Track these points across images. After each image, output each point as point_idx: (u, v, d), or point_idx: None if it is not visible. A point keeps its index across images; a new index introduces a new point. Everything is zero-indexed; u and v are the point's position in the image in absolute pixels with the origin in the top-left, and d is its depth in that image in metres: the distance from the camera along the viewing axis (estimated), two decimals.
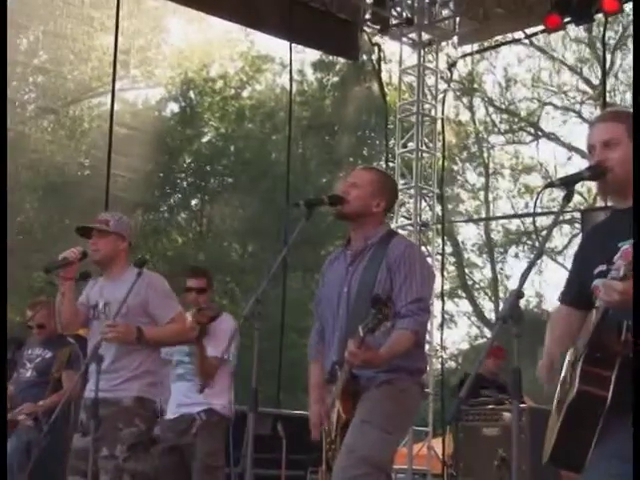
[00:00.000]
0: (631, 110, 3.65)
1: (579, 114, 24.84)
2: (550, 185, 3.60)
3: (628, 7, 11.84)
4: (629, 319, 3.28)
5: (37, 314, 7.47)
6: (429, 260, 12.46)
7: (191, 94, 25.15)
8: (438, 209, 13.16)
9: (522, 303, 3.14)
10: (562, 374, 3.45)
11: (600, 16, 12.01)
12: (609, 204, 3.81)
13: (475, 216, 26.29)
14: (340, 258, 4.80)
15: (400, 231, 11.15)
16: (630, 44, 23.80)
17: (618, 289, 3.12)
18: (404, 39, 12.99)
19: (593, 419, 3.29)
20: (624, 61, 24.07)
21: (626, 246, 3.37)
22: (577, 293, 3.59)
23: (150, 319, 5.34)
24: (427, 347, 11.75)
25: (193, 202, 25.55)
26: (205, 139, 25.52)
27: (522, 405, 5.97)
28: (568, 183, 3.43)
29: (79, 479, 5.08)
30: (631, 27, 23.13)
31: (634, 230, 3.24)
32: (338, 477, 4.37)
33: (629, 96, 23.88)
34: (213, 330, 6.11)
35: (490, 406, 6.44)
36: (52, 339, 7.40)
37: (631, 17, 21.85)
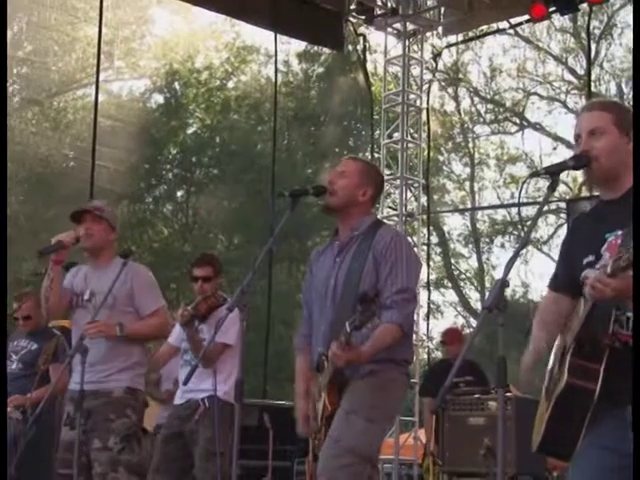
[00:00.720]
0: (618, 100, 3.66)
1: (564, 104, 24.92)
2: (535, 174, 3.62)
3: None
4: (616, 310, 3.31)
5: (23, 306, 7.45)
6: (415, 250, 12.52)
7: (176, 85, 25.07)
8: (424, 199, 13.20)
9: (508, 293, 3.17)
10: (550, 364, 3.47)
11: (585, 6, 12.08)
12: (595, 194, 3.82)
13: (461, 206, 26.37)
14: (328, 249, 4.79)
15: (386, 222, 11.15)
16: (615, 34, 23.85)
17: (612, 286, 3.12)
18: (389, 29, 12.99)
19: (582, 411, 3.31)
20: (609, 50, 24.16)
21: (612, 238, 3.39)
22: (566, 280, 3.60)
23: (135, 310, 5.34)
24: (414, 337, 11.75)
25: (179, 194, 25.51)
26: (190, 130, 25.47)
27: (508, 394, 5.98)
28: (553, 172, 3.44)
29: (69, 472, 5.06)
30: (615, 16, 23.21)
31: (634, 229, 3.24)
32: (324, 466, 4.38)
33: (613, 86, 23.97)
34: (219, 317, 6.10)
35: (476, 395, 6.45)
36: (38, 331, 7.39)
37: (616, 7, 21.99)
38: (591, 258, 3.43)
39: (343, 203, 4.59)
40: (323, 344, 4.48)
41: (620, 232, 3.37)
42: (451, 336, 9.29)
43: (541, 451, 3.42)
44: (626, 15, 23.18)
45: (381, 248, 4.51)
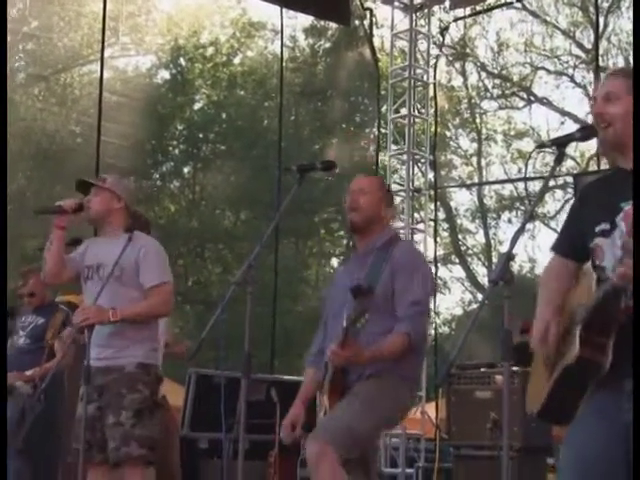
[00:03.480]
0: (630, 70, 3.62)
1: (572, 78, 24.85)
2: (541, 146, 3.61)
3: None
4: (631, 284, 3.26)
5: (28, 282, 7.49)
6: (421, 227, 12.56)
7: (182, 61, 24.98)
8: (431, 175, 13.16)
9: (515, 268, 3.18)
10: (555, 320, 3.45)
11: None
12: (603, 168, 3.82)
13: (468, 182, 26.32)
14: (349, 262, 4.95)
15: (394, 197, 11.17)
16: (623, 7, 23.78)
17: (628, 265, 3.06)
18: (396, 3, 12.92)
19: (586, 382, 3.34)
20: (616, 24, 24.09)
21: (628, 207, 3.36)
22: (574, 245, 3.58)
23: None
24: None
25: (185, 170, 25.47)
26: (197, 106, 25.44)
27: (514, 368, 6.00)
28: (559, 144, 3.43)
29: (85, 446, 5.09)
30: None
31: (634, 225, 3.24)
32: (317, 430, 4.47)
33: (621, 60, 23.87)
34: None
35: (482, 369, 6.46)
36: (44, 306, 7.42)
37: None
38: (605, 226, 3.39)
39: (368, 218, 4.72)
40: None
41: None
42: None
43: (541, 418, 3.46)
44: None
45: (398, 263, 4.61)
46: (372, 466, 4.89)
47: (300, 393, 4.84)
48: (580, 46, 24.52)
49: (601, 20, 22.60)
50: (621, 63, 23.79)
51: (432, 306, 12.78)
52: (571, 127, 23.42)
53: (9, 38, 21.93)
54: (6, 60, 6.42)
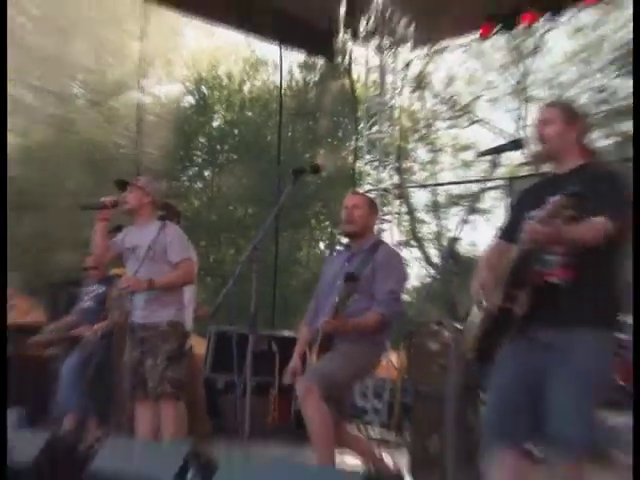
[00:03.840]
0: (566, 101, 3.72)
1: (505, 104, 24.94)
2: (481, 154, 3.65)
3: (543, 20, 11.80)
4: (548, 254, 3.36)
5: (91, 259, 7.54)
6: (388, 217, 12.58)
7: (203, 89, 24.97)
8: (396, 178, 13.21)
9: (460, 251, 3.22)
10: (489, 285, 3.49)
11: (520, 27, 12.07)
12: (531, 173, 3.85)
13: (424, 183, 26.32)
14: (341, 255, 5.07)
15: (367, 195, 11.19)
16: (544, 50, 23.95)
17: (536, 230, 3.15)
18: (370, 45, 12.96)
19: (508, 326, 3.37)
20: (538, 63, 24.32)
21: (553, 199, 3.31)
22: (510, 231, 3.59)
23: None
24: None
25: (206, 173, 25.40)
26: (215, 124, 25.41)
27: (457, 326, 6.04)
28: (495, 152, 3.48)
29: (130, 385, 5.13)
30: (542, 37, 23.22)
31: (634, 224, 3.29)
32: (305, 376, 4.58)
33: (542, 92, 24.05)
34: None
35: (434, 327, 6.47)
36: (104, 278, 7.44)
37: (545, 29, 21.94)
38: (534, 213, 3.40)
39: (361, 229, 4.87)
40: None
41: (559, 196, 3.32)
42: None
43: (474, 355, 3.51)
44: (550, 37, 23.39)
45: (379, 260, 4.71)
46: (346, 402, 4.96)
47: (297, 348, 4.89)
48: (511, 80, 24.59)
49: (527, 60, 22.78)
50: (542, 93, 23.93)
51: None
52: (503, 142, 23.54)
53: (69, 70, 21.97)
54: (6, 60, 6.33)
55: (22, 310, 8.47)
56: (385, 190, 12.81)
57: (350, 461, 4.84)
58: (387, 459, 5.23)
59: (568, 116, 3.55)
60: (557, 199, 3.13)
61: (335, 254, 5.20)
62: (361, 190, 11.39)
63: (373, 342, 4.69)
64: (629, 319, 7.78)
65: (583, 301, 3.30)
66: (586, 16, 22.65)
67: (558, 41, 24.37)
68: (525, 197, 3.72)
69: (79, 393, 6.96)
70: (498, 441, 3.42)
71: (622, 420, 7.41)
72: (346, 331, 4.51)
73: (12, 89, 23.14)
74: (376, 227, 5.10)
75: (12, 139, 22.77)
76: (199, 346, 9.01)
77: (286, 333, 9.72)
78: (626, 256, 3.43)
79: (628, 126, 24.23)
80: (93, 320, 7.25)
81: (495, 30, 11.58)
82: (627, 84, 24.24)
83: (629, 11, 23.39)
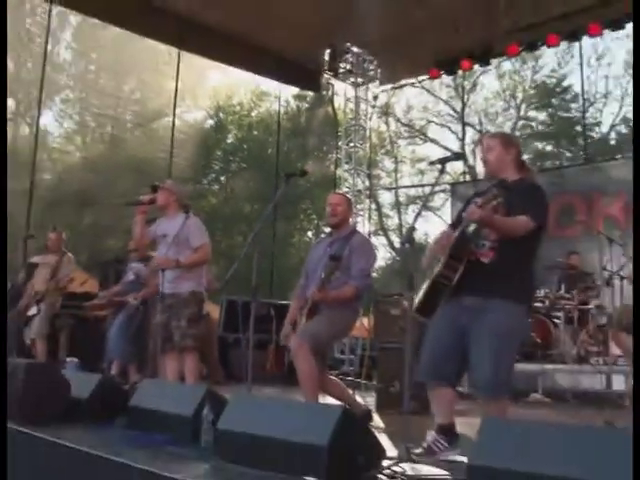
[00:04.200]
0: (505, 132, 3.77)
1: (449, 128, 24.91)
2: (432, 163, 3.68)
3: (477, 66, 11.79)
4: (482, 239, 3.38)
5: (132, 243, 7.47)
6: (360, 212, 12.52)
7: (220, 114, 24.90)
8: (367, 182, 13.15)
9: (415, 239, 3.21)
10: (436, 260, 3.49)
11: (460, 72, 12.13)
12: (467, 179, 3.81)
13: (389, 187, 26.36)
14: (324, 241, 4.92)
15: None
16: (478, 89, 24.07)
17: (477, 211, 3.19)
18: (347, 81, 12.90)
19: (445, 289, 3.38)
20: (474, 98, 24.40)
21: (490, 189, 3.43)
22: (457, 222, 3.61)
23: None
24: None
25: (222, 178, 25.31)
26: (229, 141, 25.28)
27: (412, 296, 6.00)
28: (442, 162, 3.48)
29: (161, 340, 5.05)
30: (477, 78, 23.27)
31: (634, 225, 3.32)
32: (297, 334, 4.45)
33: (476, 119, 24.17)
34: None
35: (395, 297, 6.40)
36: (143, 258, 7.36)
37: (478, 73, 22.00)
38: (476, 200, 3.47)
39: (342, 221, 4.77)
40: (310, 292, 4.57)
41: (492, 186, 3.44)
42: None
43: (417, 311, 3.47)
44: (483, 77, 23.40)
45: (356, 245, 4.62)
46: (328, 355, 4.91)
47: (289, 315, 4.81)
48: (454, 110, 24.57)
49: (467, 95, 22.82)
50: (477, 120, 24.10)
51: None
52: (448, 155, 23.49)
53: (122, 103, 22.00)
54: (6, 60, 6.19)
55: (79, 282, 8.34)
56: (359, 191, 12.77)
57: (329, 401, 4.76)
58: (359, 399, 5.17)
59: (505, 144, 3.58)
60: (492, 189, 3.21)
61: (320, 240, 5.08)
62: (340, 191, 11.30)
63: (349, 308, 4.62)
64: (541, 292, 7.73)
65: (501, 277, 3.32)
66: (508, 64, 22.76)
67: (489, 81, 24.39)
68: (471, 200, 3.72)
69: (123, 345, 6.91)
70: (431, 379, 3.45)
71: (536, 367, 7.40)
72: (329, 301, 4.45)
73: (78, 116, 23.14)
74: (352, 220, 5.00)
75: (77, 153, 22.72)
76: (214, 311, 8.94)
77: (281, 301, 9.64)
78: (539, 248, 3.46)
79: (541, 146, 24.35)
80: (135, 290, 7.18)
81: (441, 73, 11.60)
82: (541, 115, 24.35)
83: (543, 60, 23.47)
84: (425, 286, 3.44)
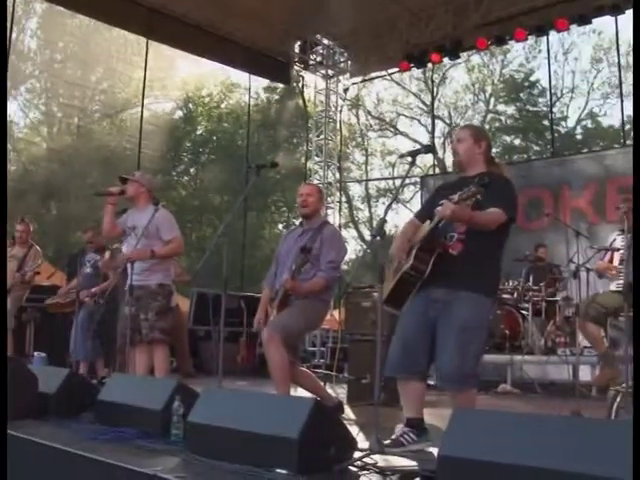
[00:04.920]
0: (474, 124, 3.79)
1: (419, 121, 24.98)
2: (402, 156, 3.68)
3: (446, 59, 11.85)
4: (451, 231, 3.41)
5: (87, 233, 7.35)
6: (331, 205, 12.52)
7: (190, 105, 24.65)
8: (338, 175, 13.14)
9: (386, 230, 3.21)
10: (404, 256, 3.49)
11: (430, 65, 12.17)
12: (437, 172, 3.82)
13: (359, 179, 26.39)
14: (295, 232, 4.89)
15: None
16: (447, 82, 24.17)
17: (451, 207, 3.18)
18: (318, 73, 12.87)
19: (415, 281, 3.41)
20: (443, 91, 24.47)
21: (459, 193, 3.39)
22: (423, 214, 3.65)
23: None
24: None
25: (191, 170, 25.09)
26: (198, 132, 25.02)
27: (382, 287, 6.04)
28: (412, 155, 3.48)
29: (130, 332, 5.00)
30: (447, 72, 23.36)
31: (634, 225, 3.32)
32: (268, 327, 4.43)
33: (446, 112, 24.27)
34: None
35: (366, 289, 6.41)
36: (99, 248, 7.26)
37: (447, 66, 22.10)
38: (443, 202, 3.45)
39: (313, 211, 4.76)
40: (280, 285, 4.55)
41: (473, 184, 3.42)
42: None
43: (386, 303, 3.48)
44: (453, 71, 23.55)
45: (326, 236, 4.61)
46: (299, 348, 4.90)
47: (261, 304, 4.79)
48: (424, 103, 24.67)
49: (435, 88, 22.90)
50: (445, 113, 24.21)
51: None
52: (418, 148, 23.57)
53: (89, 92, 21.68)
54: (6, 60, 6.06)
55: (46, 274, 8.22)
56: (329, 184, 12.76)
57: (301, 393, 4.76)
58: (330, 392, 5.18)
59: (476, 137, 3.61)
60: (471, 187, 3.17)
61: (291, 231, 5.05)
62: (312, 182, 11.30)
63: (320, 300, 4.61)
64: (510, 284, 7.80)
65: (469, 269, 3.35)
66: (477, 57, 22.90)
67: (458, 75, 24.52)
68: (439, 191, 3.75)
69: (86, 344, 6.83)
70: (401, 373, 3.46)
71: (505, 359, 7.48)
72: (300, 292, 4.44)
73: (44, 106, 22.74)
74: (323, 211, 4.99)
75: (43, 144, 22.36)
76: (183, 304, 8.88)
77: (252, 293, 9.61)
78: (507, 240, 3.49)
79: (510, 139, 24.59)
80: (92, 283, 7.07)
81: (411, 66, 11.63)
82: (510, 109, 24.57)
83: (512, 54, 23.66)
84: (395, 278, 3.44)
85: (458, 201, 3.16)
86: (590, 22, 9.96)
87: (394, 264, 3.52)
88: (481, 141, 3.59)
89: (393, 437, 3.40)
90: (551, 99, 19.18)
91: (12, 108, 21.60)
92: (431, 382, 4.40)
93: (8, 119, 19.20)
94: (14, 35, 14.32)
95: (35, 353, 7.53)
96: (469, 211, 3.20)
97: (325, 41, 12.58)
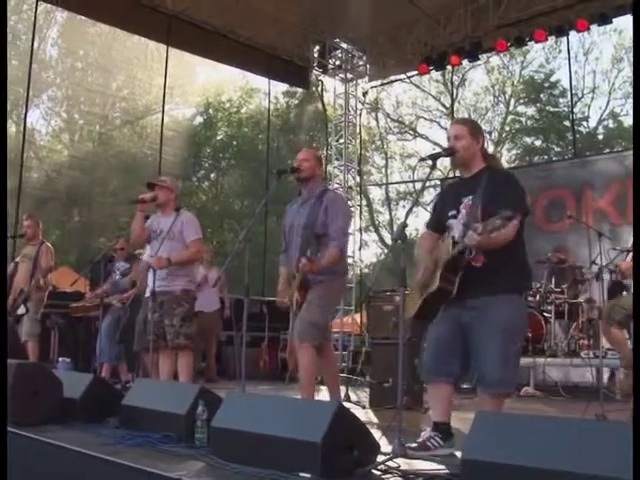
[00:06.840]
0: (470, 118, 3.69)
1: (439, 124, 24.93)
2: (422, 159, 3.63)
3: (465, 61, 11.82)
4: (473, 250, 3.31)
5: (119, 242, 7.40)
6: (352, 209, 12.50)
7: (210, 111, 24.76)
8: (358, 179, 13.15)
9: (407, 233, 3.19)
10: (424, 266, 3.47)
11: (449, 67, 12.12)
12: (457, 175, 3.81)
13: (380, 182, 26.36)
14: (295, 203, 4.82)
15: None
16: (467, 84, 24.06)
17: (477, 239, 3.11)
18: (337, 77, 12.89)
19: (442, 301, 3.40)
20: (463, 93, 24.42)
21: (466, 200, 3.42)
22: (436, 223, 3.61)
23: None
24: (351, 260, 11.87)
25: (212, 175, 25.24)
26: (219, 137, 25.16)
27: (406, 292, 6.01)
28: (432, 158, 3.45)
29: (154, 338, 5.03)
30: (467, 74, 23.25)
31: (634, 224, 3.27)
32: (297, 332, 4.43)
33: (466, 114, 24.12)
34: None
35: (387, 293, 6.40)
36: (129, 256, 7.32)
37: (467, 68, 22.01)
38: (453, 212, 3.47)
39: (308, 175, 4.66)
40: (294, 263, 4.51)
41: (471, 197, 3.41)
42: None
43: (416, 318, 3.49)
44: (472, 73, 23.47)
45: (329, 202, 4.55)
46: (329, 328, 4.82)
47: (281, 282, 4.76)
48: (443, 105, 24.59)
49: (455, 90, 22.77)
50: (466, 115, 24.03)
51: (359, 256, 12.97)
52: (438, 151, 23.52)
53: (110, 100, 21.83)
54: (6, 61, 6.10)
55: (69, 281, 8.30)
56: (350, 188, 12.77)
57: (324, 397, 4.77)
58: (351, 395, 5.17)
59: (473, 133, 3.53)
60: (496, 220, 3.02)
61: (292, 202, 4.99)
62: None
63: (335, 274, 4.55)
64: (536, 284, 7.72)
65: (497, 274, 3.31)
66: (497, 59, 22.79)
67: (478, 77, 24.47)
68: (444, 197, 3.73)
69: (111, 348, 6.90)
70: (434, 377, 3.46)
71: (528, 361, 7.43)
72: (318, 270, 4.41)
73: (66, 114, 22.98)
74: (321, 176, 4.88)
75: (65, 151, 22.59)
76: None
77: (273, 298, 9.66)
78: (523, 232, 3.40)
79: (530, 141, 24.44)
80: (120, 290, 7.16)
81: (430, 68, 11.60)
82: (530, 110, 24.43)
83: (531, 55, 23.52)
84: (422, 297, 3.42)
85: (482, 232, 3.06)
86: (610, 22, 9.88)
87: (418, 275, 3.50)
88: (478, 136, 3.53)
89: (419, 440, 3.39)
90: (572, 99, 19.05)
91: (34, 116, 21.89)
92: (466, 386, 4.36)
93: (30, 127, 19.43)
94: (35, 44, 14.51)
95: (60, 359, 7.61)
96: (493, 240, 3.14)
97: (344, 45, 12.60)
